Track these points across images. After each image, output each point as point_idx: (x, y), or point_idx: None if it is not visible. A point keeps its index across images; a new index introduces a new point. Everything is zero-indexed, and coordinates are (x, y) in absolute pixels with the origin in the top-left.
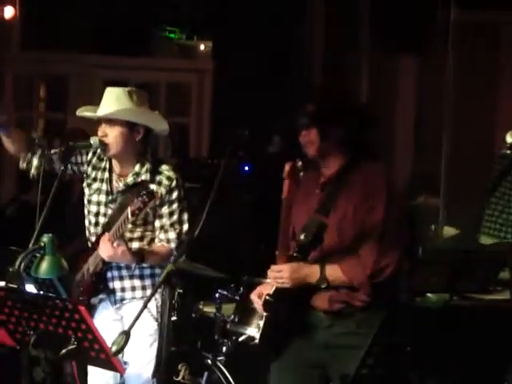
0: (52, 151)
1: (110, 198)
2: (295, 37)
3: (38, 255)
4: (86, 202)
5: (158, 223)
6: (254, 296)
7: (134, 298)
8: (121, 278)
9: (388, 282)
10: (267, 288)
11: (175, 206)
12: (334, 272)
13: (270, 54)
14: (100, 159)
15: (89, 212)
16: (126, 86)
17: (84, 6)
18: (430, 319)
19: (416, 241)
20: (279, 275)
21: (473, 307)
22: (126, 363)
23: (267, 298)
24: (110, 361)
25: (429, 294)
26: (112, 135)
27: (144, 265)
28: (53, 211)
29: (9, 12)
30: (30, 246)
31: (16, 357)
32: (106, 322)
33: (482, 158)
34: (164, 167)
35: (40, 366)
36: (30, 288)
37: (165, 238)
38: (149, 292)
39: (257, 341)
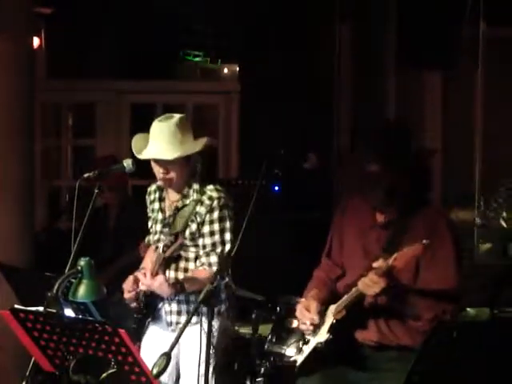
0: (85, 175)
1: (164, 223)
2: (321, 58)
3: (73, 280)
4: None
5: (200, 241)
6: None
7: (178, 322)
8: (169, 301)
9: None
10: (312, 304)
11: (216, 225)
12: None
13: (296, 75)
14: (149, 194)
15: (154, 241)
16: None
17: (108, 33)
18: (471, 334)
19: None
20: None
21: None
22: None
23: (333, 321)
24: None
25: (468, 309)
26: (174, 171)
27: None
28: (88, 236)
29: (34, 42)
30: (67, 270)
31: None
32: (161, 342)
33: None
34: (209, 187)
35: None
36: (69, 312)
37: (206, 262)
38: (195, 317)
39: (297, 363)
